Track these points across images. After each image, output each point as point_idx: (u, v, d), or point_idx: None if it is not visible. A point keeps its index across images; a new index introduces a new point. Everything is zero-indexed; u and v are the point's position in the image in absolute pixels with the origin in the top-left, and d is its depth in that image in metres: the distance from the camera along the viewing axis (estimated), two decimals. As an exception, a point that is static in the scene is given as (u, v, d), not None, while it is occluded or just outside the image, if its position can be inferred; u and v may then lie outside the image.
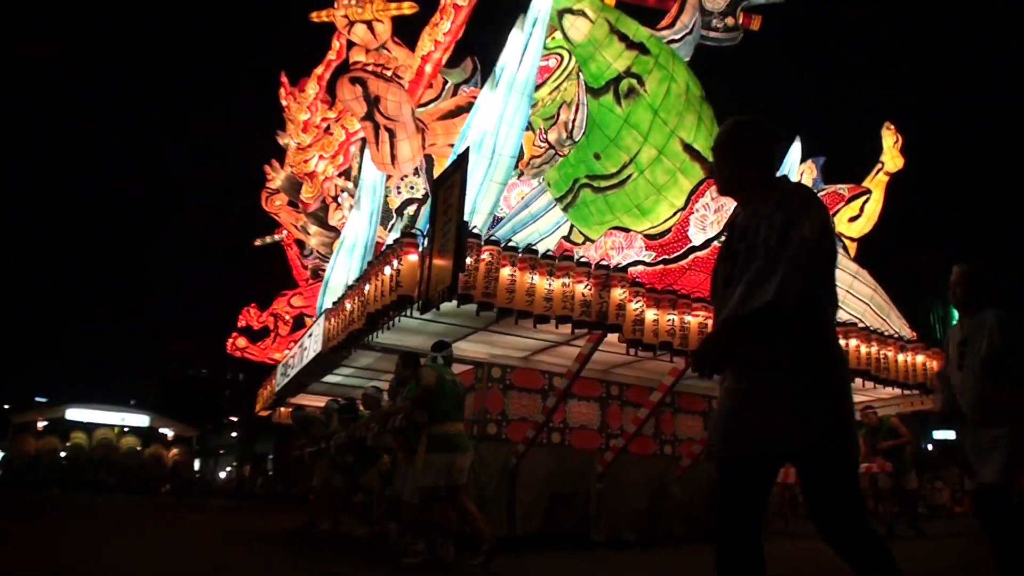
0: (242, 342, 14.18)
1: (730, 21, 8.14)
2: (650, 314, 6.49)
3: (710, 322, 6.92)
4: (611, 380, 7.63)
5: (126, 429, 26.58)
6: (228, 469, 43.43)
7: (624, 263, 6.80)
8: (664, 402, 7.83)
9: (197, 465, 29.92)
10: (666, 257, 6.73)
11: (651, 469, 7.51)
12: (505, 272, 5.82)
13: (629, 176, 6.91)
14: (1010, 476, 3.03)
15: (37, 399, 42.09)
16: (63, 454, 23.35)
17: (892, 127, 13.10)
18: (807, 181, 12.25)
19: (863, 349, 8.17)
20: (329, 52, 12.59)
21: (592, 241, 8.03)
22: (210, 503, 19.92)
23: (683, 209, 6.73)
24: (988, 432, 3.16)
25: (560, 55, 7.31)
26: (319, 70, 12.70)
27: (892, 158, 12.92)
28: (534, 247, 6.26)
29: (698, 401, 8.31)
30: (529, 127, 8.77)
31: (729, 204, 6.85)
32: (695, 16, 7.72)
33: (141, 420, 27.80)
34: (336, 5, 10.49)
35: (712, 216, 6.64)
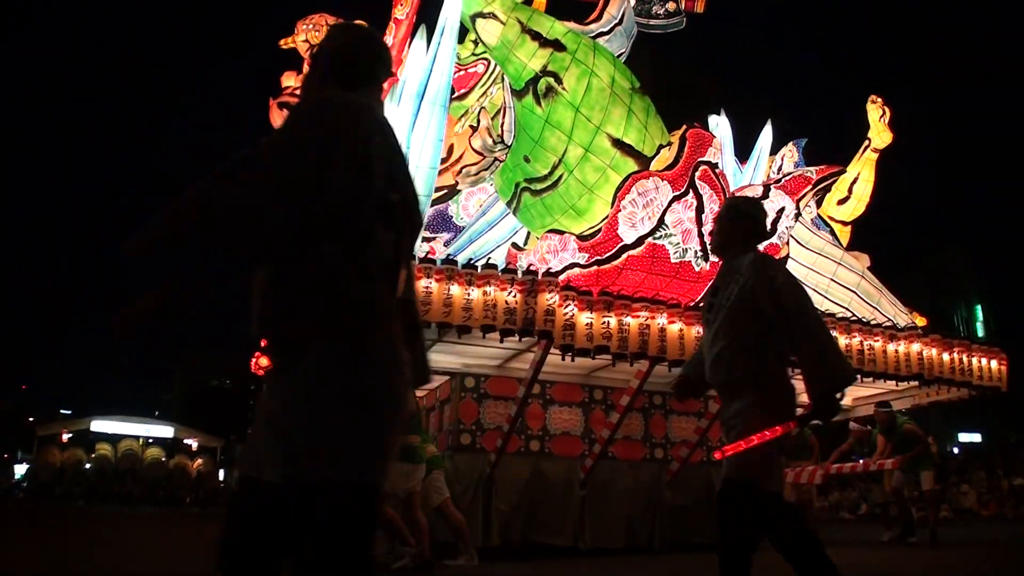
0: (264, 361, 14.34)
1: (671, 6, 7.84)
2: (583, 317, 6.34)
3: (651, 322, 6.73)
4: (594, 384, 7.41)
5: (151, 440, 27.23)
6: (255, 476, 43.96)
7: (560, 267, 6.66)
8: (653, 404, 7.63)
9: (222, 475, 30.52)
10: (599, 258, 6.56)
11: (640, 474, 7.28)
12: (420, 284, 5.77)
13: (560, 177, 6.75)
14: (741, 471, 2.28)
15: (62, 411, 43.29)
16: (88, 466, 23.90)
17: (879, 100, 12.40)
18: (788, 164, 11.80)
19: (843, 341, 7.64)
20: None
21: (541, 243, 7.87)
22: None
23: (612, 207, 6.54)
24: (731, 406, 2.43)
25: (487, 60, 7.16)
26: (294, 96, 12.78)
27: (879, 133, 12.26)
28: (453, 258, 6.22)
29: (693, 402, 7.73)
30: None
31: (660, 197, 6.62)
32: (624, 5, 7.45)
33: (165, 431, 28.47)
34: (296, 31, 10.56)
35: (641, 212, 6.43)
